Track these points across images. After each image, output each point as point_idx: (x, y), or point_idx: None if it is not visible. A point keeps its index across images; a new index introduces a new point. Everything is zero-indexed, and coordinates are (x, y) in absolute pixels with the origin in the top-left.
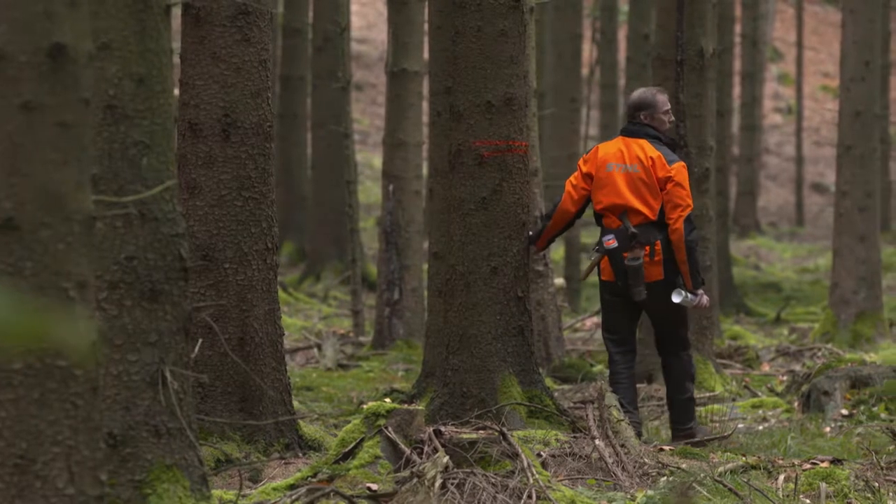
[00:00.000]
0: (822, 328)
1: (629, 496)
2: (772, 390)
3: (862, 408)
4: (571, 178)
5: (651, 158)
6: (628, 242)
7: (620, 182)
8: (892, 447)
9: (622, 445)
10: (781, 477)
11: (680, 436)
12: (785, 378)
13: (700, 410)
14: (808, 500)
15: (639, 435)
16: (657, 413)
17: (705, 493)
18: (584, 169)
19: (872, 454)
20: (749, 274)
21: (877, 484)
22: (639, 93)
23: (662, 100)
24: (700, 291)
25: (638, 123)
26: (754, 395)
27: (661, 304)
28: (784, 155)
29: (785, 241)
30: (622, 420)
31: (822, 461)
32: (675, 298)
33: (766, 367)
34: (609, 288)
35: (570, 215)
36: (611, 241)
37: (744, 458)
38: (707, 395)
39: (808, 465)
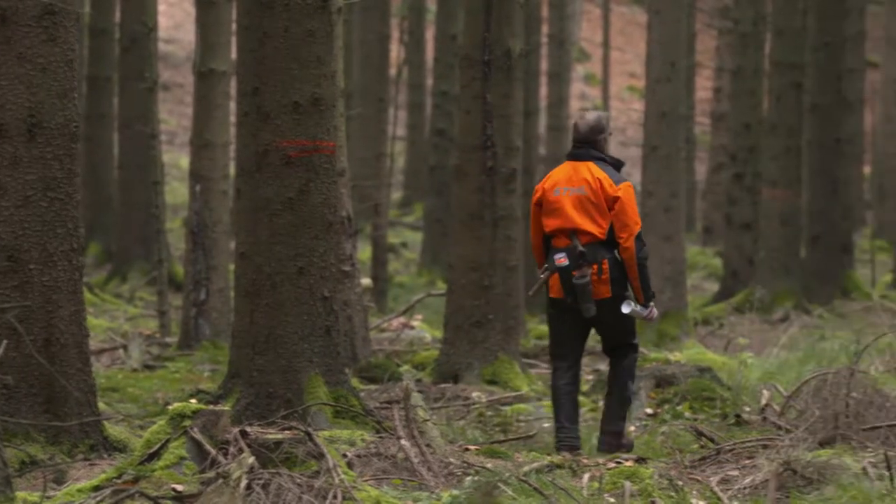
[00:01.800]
0: None
1: (435, 496)
2: None
3: (666, 407)
4: (532, 213)
5: (598, 180)
6: (577, 261)
7: (568, 205)
8: (695, 446)
9: (428, 445)
10: (586, 476)
11: (607, 438)
12: (591, 377)
13: (506, 410)
14: (612, 499)
15: (573, 449)
16: (462, 413)
17: (510, 492)
18: (535, 198)
19: (676, 453)
20: None
21: (680, 482)
22: (594, 118)
23: (607, 123)
24: (651, 304)
25: (583, 147)
26: None
27: (609, 320)
28: None
29: None
30: (428, 420)
31: (627, 460)
32: (625, 309)
33: None
34: (557, 305)
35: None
36: (562, 260)
37: (549, 458)
38: (513, 394)
39: (613, 464)
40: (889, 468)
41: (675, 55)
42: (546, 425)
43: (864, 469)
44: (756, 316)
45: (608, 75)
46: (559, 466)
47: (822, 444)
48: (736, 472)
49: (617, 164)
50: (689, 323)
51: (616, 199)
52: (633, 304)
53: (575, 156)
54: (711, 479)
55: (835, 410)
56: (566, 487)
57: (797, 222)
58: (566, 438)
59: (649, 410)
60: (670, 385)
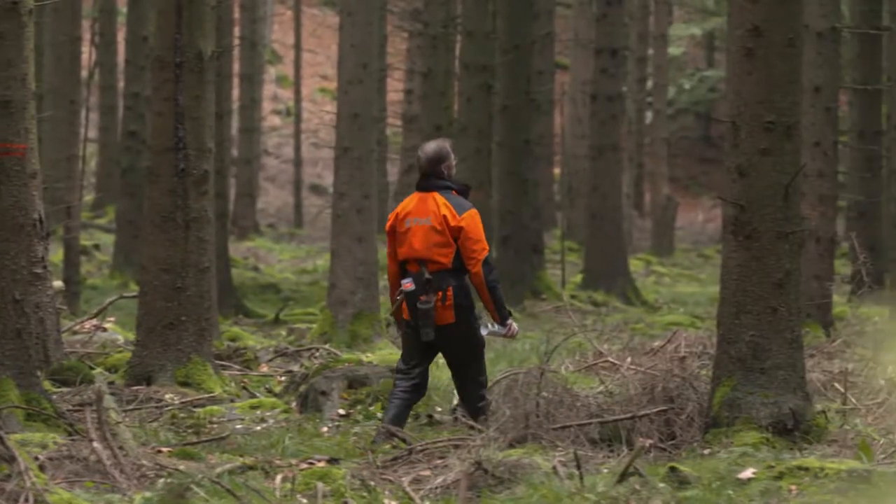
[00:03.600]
0: (320, 328)
1: (127, 498)
2: (270, 391)
3: (359, 407)
4: (387, 240)
5: (442, 212)
6: (424, 287)
7: (417, 236)
8: (388, 446)
9: (120, 447)
10: (279, 477)
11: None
12: (283, 378)
13: (199, 412)
14: (305, 500)
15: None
16: (155, 415)
17: (203, 494)
18: (388, 226)
19: (369, 453)
20: (248, 275)
21: (373, 483)
22: (434, 149)
23: (450, 150)
24: (509, 322)
25: (430, 177)
26: (253, 395)
27: (452, 345)
28: (283, 157)
29: (284, 243)
30: (120, 422)
31: (320, 461)
32: (483, 331)
33: (264, 368)
34: (409, 325)
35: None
36: (408, 285)
37: (242, 459)
38: (206, 396)
39: (306, 465)
40: (578, 467)
41: (366, 57)
42: (239, 427)
43: (554, 468)
44: None
45: (300, 77)
46: (252, 468)
47: (512, 444)
48: (428, 472)
49: (463, 190)
50: (382, 324)
51: (460, 228)
52: (489, 325)
53: (421, 187)
54: (403, 479)
55: (525, 410)
56: (259, 489)
57: (488, 223)
58: (379, 434)
59: (342, 411)
60: (363, 386)
